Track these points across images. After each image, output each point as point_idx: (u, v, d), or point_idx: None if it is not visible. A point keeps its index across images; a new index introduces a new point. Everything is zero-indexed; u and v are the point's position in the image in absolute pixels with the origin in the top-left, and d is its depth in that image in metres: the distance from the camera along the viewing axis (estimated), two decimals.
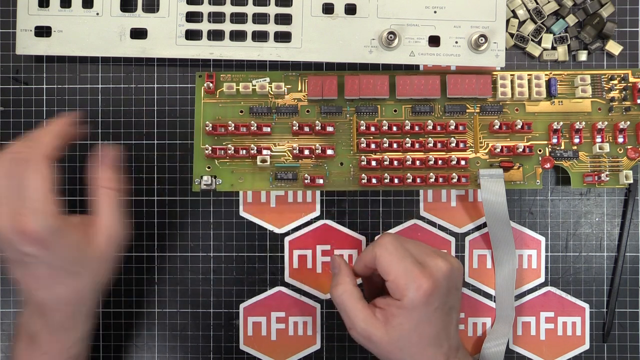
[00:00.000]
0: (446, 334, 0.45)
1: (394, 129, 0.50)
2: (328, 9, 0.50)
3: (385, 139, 0.50)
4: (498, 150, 0.50)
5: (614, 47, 0.52)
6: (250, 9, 0.51)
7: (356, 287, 0.46)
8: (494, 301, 0.52)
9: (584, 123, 0.50)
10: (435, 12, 0.49)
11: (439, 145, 0.50)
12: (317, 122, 0.50)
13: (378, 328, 0.44)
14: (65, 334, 0.43)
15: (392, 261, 0.43)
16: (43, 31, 0.50)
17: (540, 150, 0.51)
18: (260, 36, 0.51)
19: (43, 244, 0.38)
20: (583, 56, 0.52)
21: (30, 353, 0.43)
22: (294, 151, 0.50)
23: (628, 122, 0.50)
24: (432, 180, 0.50)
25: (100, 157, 0.45)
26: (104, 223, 0.43)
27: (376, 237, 0.46)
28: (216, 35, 0.51)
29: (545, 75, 0.51)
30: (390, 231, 0.52)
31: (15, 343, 0.44)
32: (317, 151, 0.50)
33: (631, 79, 0.51)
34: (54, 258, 0.39)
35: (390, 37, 0.48)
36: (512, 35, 0.52)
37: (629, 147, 0.50)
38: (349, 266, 0.47)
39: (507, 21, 0.52)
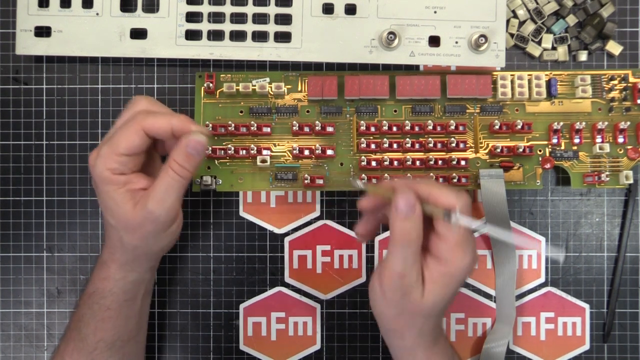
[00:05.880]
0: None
1: (394, 129, 0.50)
2: (328, 9, 0.50)
3: (385, 139, 0.50)
4: (498, 150, 0.50)
5: (614, 47, 0.52)
6: (250, 9, 0.51)
7: None
8: (494, 301, 0.52)
9: (584, 123, 0.50)
10: (435, 12, 0.49)
11: (439, 145, 0.50)
12: (317, 122, 0.50)
13: (417, 289, 0.41)
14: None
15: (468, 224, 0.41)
16: (43, 31, 0.50)
17: (540, 151, 0.51)
18: (260, 36, 0.51)
19: (93, 182, 0.44)
20: (583, 56, 0.52)
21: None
22: (294, 151, 0.50)
23: (628, 123, 0.50)
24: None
25: (184, 139, 0.42)
26: (150, 198, 0.42)
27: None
28: (216, 36, 0.51)
29: (546, 75, 0.51)
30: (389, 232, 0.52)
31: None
32: (317, 151, 0.50)
33: (631, 79, 0.51)
34: (98, 196, 0.45)
35: (390, 37, 0.48)
36: (512, 35, 0.52)
37: (629, 147, 0.50)
38: None
39: (507, 21, 0.52)
